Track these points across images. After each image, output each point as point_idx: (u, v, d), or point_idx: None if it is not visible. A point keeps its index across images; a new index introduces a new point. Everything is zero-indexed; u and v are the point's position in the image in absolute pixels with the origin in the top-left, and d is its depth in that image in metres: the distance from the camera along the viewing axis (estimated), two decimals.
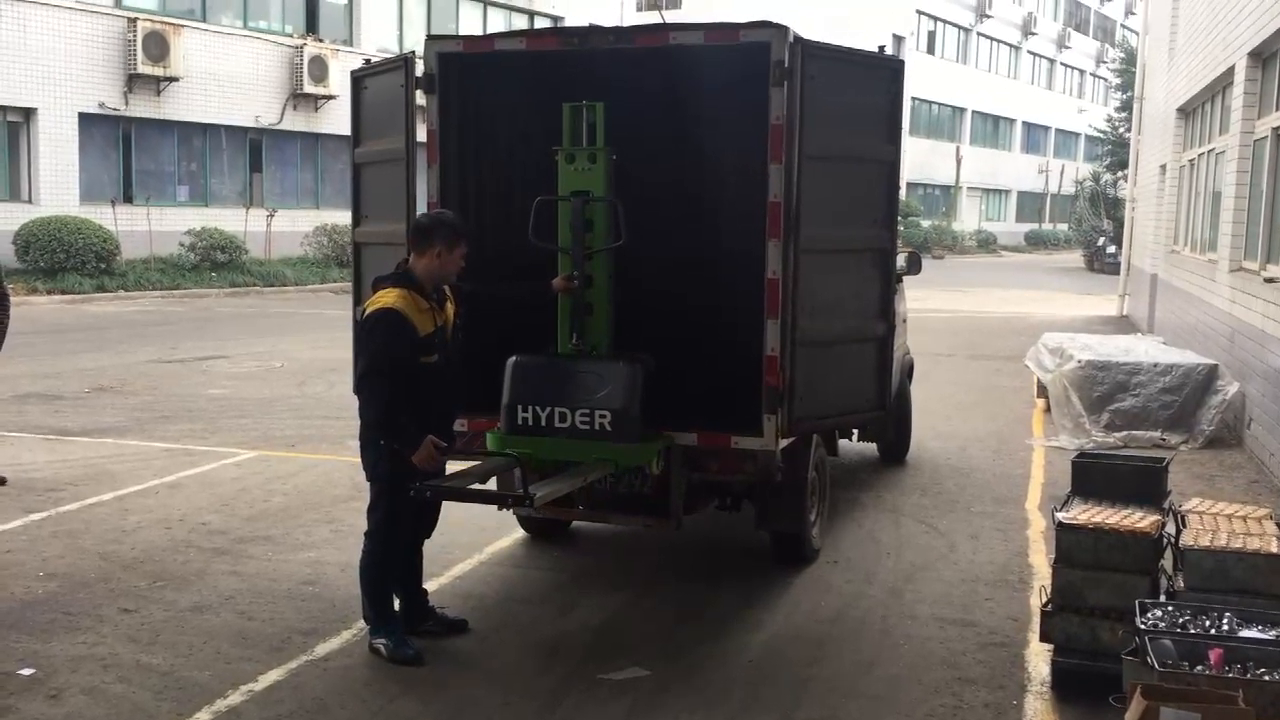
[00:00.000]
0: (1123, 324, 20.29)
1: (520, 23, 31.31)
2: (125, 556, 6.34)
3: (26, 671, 4.80)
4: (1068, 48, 63.43)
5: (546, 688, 4.77)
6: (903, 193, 43.71)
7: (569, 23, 29.52)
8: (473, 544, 6.59)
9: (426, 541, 5.43)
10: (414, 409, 4.88)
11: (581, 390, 5.40)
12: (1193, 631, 3.99)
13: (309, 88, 26.25)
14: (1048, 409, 10.95)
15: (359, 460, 5.22)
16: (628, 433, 5.35)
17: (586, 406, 5.35)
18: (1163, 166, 18.08)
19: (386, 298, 4.89)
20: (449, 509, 5.50)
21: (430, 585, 5.51)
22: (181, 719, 4.42)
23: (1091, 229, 43.50)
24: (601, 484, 5.82)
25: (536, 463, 5.31)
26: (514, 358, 5.56)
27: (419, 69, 5.90)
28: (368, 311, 4.93)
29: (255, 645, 5.13)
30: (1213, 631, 3.99)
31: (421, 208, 5.95)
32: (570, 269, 5.61)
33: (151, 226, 23.40)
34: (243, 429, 9.91)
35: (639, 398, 5.39)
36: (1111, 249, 35.33)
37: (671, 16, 34.24)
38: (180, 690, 4.65)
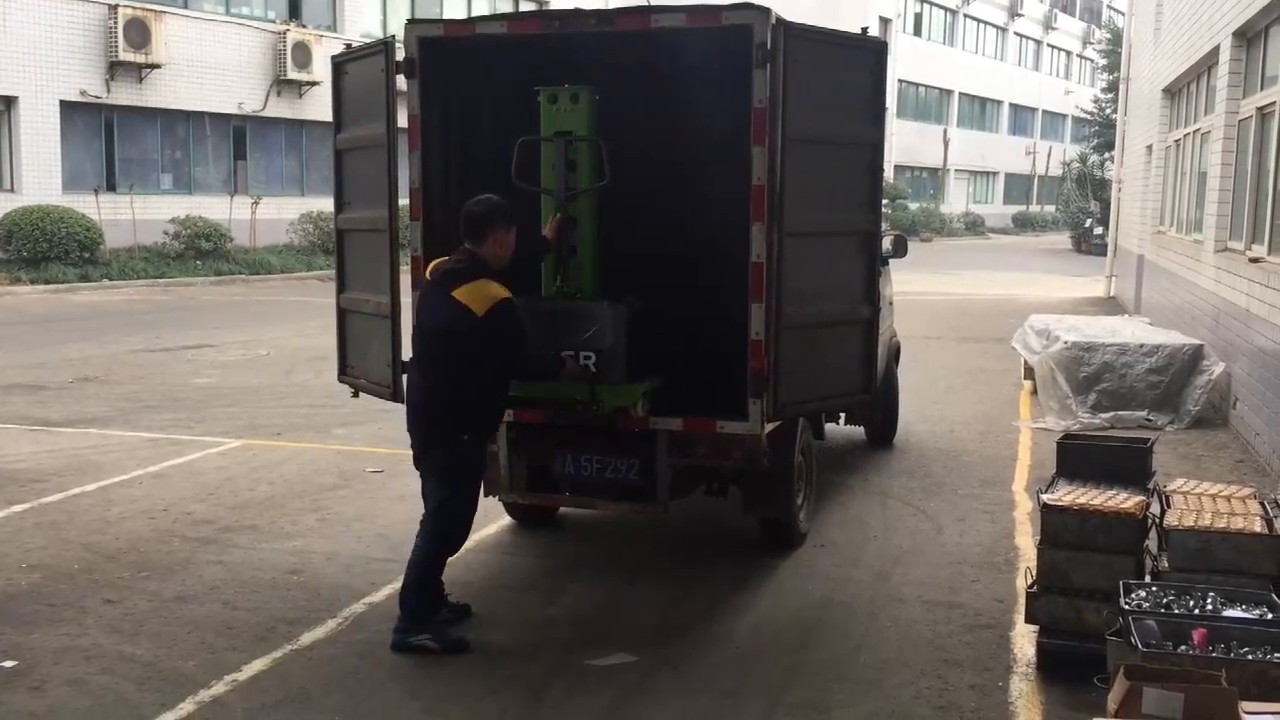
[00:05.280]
0: (1110, 305, 20.32)
1: (506, 6, 31.14)
2: (109, 547, 6.31)
3: (9, 663, 4.77)
4: (1054, 29, 63.42)
5: (534, 674, 4.76)
6: (890, 175, 43.81)
7: (554, 5, 29.36)
8: None
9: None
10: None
11: (567, 331, 5.41)
12: (1177, 612, 3.99)
13: (293, 74, 26.09)
14: (1035, 391, 10.96)
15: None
16: (614, 373, 5.37)
17: (572, 348, 5.36)
18: (1149, 147, 18.10)
19: (496, 289, 4.86)
20: None
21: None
22: (165, 709, 4.39)
23: (1079, 211, 43.50)
24: (589, 469, 5.80)
25: (520, 403, 5.37)
26: None
27: (400, 53, 5.85)
28: (493, 303, 4.84)
29: (240, 635, 5.11)
30: (1196, 611, 3.99)
31: (404, 194, 5.92)
32: (554, 211, 5.59)
33: (135, 215, 23.27)
34: (229, 418, 9.85)
35: (625, 338, 5.40)
36: (1099, 230, 35.35)
37: None
38: (164, 681, 4.63)
